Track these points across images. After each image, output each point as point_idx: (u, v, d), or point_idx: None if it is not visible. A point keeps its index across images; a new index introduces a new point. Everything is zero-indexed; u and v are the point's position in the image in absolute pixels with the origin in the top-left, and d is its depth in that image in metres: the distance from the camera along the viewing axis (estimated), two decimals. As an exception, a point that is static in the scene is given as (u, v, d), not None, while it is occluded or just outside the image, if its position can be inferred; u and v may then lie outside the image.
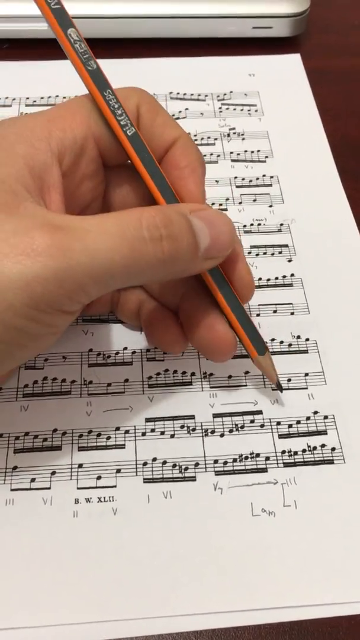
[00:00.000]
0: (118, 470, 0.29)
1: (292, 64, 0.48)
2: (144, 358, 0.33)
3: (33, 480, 0.29)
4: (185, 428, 0.31)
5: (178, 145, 0.29)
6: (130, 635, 0.25)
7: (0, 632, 0.25)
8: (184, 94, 0.45)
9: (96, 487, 0.29)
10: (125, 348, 0.33)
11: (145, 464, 0.30)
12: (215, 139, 0.43)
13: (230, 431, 0.31)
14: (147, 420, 0.31)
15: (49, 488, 0.29)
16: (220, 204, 0.39)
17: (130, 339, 0.33)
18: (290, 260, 0.37)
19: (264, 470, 0.29)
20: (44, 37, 0.47)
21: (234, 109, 0.44)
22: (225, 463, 0.30)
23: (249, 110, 0.44)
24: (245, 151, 0.42)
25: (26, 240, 0.23)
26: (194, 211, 0.27)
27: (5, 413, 0.31)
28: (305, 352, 0.33)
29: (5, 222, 0.23)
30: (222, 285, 0.29)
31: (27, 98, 0.45)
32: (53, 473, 0.29)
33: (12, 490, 0.29)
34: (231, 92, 0.45)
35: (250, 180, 0.40)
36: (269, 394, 0.32)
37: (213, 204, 0.39)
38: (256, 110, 0.44)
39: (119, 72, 0.45)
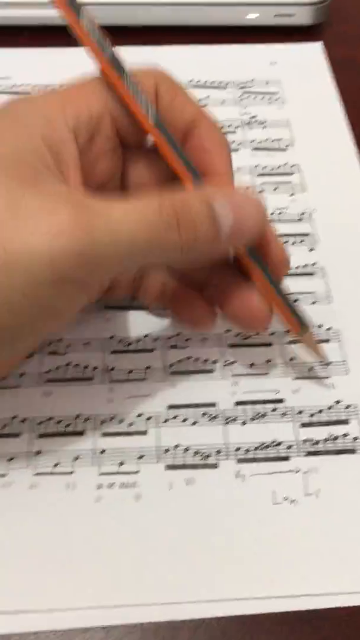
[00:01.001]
0: (140, 457, 0.30)
1: (313, 52, 0.48)
2: (166, 345, 0.33)
3: (56, 464, 0.29)
4: (207, 415, 0.31)
5: (202, 126, 0.29)
6: (151, 620, 0.25)
7: (23, 614, 0.25)
8: (205, 81, 0.45)
9: (118, 473, 0.29)
10: (147, 335, 0.33)
11: (167, 450, 0.30)
12: (237, 127, 0.42)
13: (252, 419, 0.31)
14: (169, 407, 0.31)
15: (72, 473, 0.29)
16: (242, 193, 0.39)
17: (152, 326, 0.33)
18: (312, 250, 0.37)
19: (286, 458, 0.30)
20: (63, 25, 0.47)
21: (255, 98, 0.44)
22: (247, 451, 0.30)
23: (269, 99, 0.44)
24: (267, 139, 0.42)
25: (52, 217, 0.23)
26: (219, 195, 0.26)
27: (29, 398, 0.31)
28: (327, 341, 0.33)
29: (30, 199, 0.23)
30: (258, 261, 0.29)
31: (48, 86, 0.45)
32: (76, 458, 0.29)
33: (35, 474, 0.29)
34: (252, 80, 0.45)
35: (272, 169, 0.40)
36: (291, 383, 0.32)
37: (234, 192, 0.39)
38: (277, 99, 0.44)
39: (140, 60, 0.46)
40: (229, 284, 0.30)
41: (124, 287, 0.33)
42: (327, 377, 0.32)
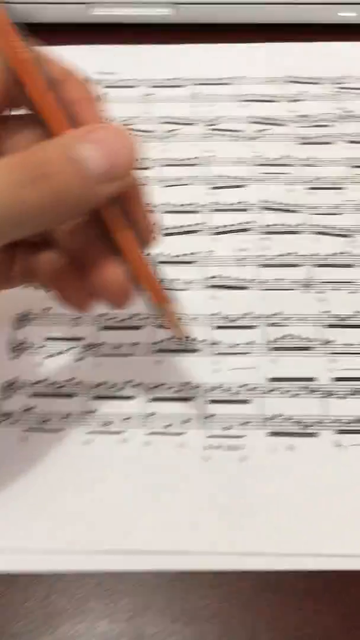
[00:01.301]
0: (245, 423, 0.32)
1: None
2: (267, 322, 0.35)
3: (167, 426, 0.32)
4: (307, 389, 0.33)
5: (69, 81, 0.27)
6: (259, 569, 0.28)
7: (147, 554, 0.28)
8: (301, 77, 0.47)
9: (225, 437, 0.32)
10: (249, 313, 0.36)
11: (269, 419, 0.32)
12: (333, 122, 0.44)
13: (352, 394, 0.33)
14: (271, 379, 0.33)
15: (182, 434, 0.32)
16: (337, 183, 0.41)
17: (254, 305, 0.36)
18: None
19: (383, 431, 0.32)
20: (165, 23, 0.50)
21: (350, 93, 0.46)
22: (346, 423, 0.32)
23: (364, 94, 0.46)
24: (362, 133, 0.44)
25: None
26: (82, 136, 0.24)
27: (141, 365, 0.34)
28: None
29: None
30: (121, 228, 0.26)
31: (152, 80, 0.47)
32: (186, 421, 0.32)
33: (149, 433, 0.32)
34: (347, 76, 0.47)
35: (367, 161, 0.42)
36: (387, 362, 0.34)
37: (330, 183, 0.41)
38: (372, 94, 0.46)
39: (240, 56, 0.48)
40: (98, 258, 0.27)
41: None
42: None
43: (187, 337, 0.31)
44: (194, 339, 0.32)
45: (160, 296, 0.28)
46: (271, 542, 0.29)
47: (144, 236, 0.27)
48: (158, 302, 0.29)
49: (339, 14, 0.49)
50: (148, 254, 0.27)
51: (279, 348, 0.34)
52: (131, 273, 0.27)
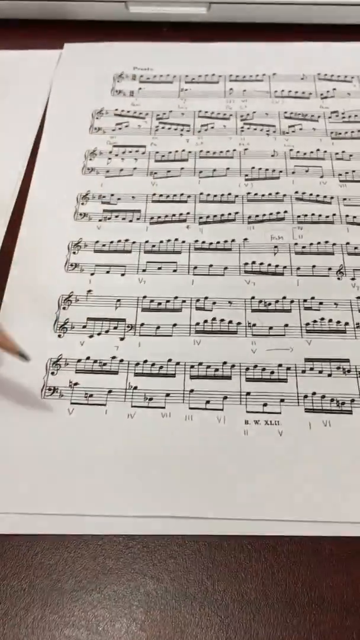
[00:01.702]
0: (282, 400, 0.33)
1: None
2: (302, 307, 0.37)
3: (208, 402, 0.33)
4: (341, 369, 0.34)
5: None
6: (299, 534, 0.29)
7: (190, 519, 0.30)
8: (331, 75, 0.48)
9: (263, 412, 0.33)
10: (284, 297, 0.37)
11: (305, 396, 0.33)
12: (363, 117, 0.46)
13: (383, 374, 0.34)
14: (306, 360, 0.35)
15: (221, 409, 0.33)
16: (369, 176, 0.42)
17: (289, 290, 0.37)
18: None
19: None
20: (200, 21, 0.51)
21: (380, 91, 0.47)
22: (378, 401, 0.33)
23: (394, 92, 0.47)
24: (392, 129, 0.45)
25: None
26: None
27: (181, 345, 0.35)
28: None
29: None
30: None
31: (187, 76, 0.49)
32: (225, 397, 0.34)
33: (190, 408, 0.33)
34: (376, 74, 0.48)
35: None
36: None
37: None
38: None
39: (272, 54, 0.50)
40: None
41: None
42: None
43: (23, 356, 0.32)
44: (27, 357, 0.33)
45: None
46: (308, 510, 0.30)
47: None
48: None
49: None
50: None
51: (312, 331, 0.36)
52: None
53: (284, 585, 0.27)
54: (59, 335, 0.36)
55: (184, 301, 0.37)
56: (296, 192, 0.42)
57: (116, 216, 0.41)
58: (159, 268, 0.39)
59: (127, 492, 0.31)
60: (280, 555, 0.28)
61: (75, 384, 0.34)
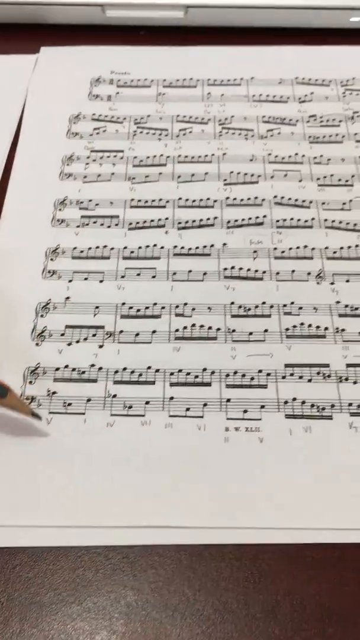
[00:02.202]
0: (262, 406, 0.33)
1: None
2: (281, 312, 0.36)
3: (188, 409, 0.33)
4: (321, 374, 0.34)
5: None
6: (280, 542, 0.29)
7: (172, 529, 0.29)
8: (309, 79, 0.49)
9: (243, 419, 0.33)
10: (264, 302, 0.37)
11: (286, 402, 0.33)
12: (340, 121, 0.46)
13: (363, 379, 0.34)
14: (287, 365, 0.35)
15: (201, 417, 0.33)
16: (347, 180, 0.42)
17: (268, 295, 0.37)
18: None
19: (395, 414, 0.33)
20: (177, 25, 0.51)
21: (357, 94, 0.47)
22: (359, 406, 0.33)
23: (371, 96, 0.47)
24: (369, 133, 0.45)
25: None
26: None
27: (161, 352, 0.35)
28: None
29: None
30: None
31: (164, 80, 0.49)
32: (205, 405, 0.33)
33: (170, 416, 0.33)
34: (354, 78, 0.48)
35: (375, 160, 0.44)
36: None
37: (339, 180, 0.42)
38: (378, 96, 0.47)
39: (250, 58, 0.50)
40: None
41: None
42: None
43: (36, 415, 0.32)
44: (39, 416, 0.33)
45: None
46: (290, 517, 0.30)
47: None
48: None
49: (351, 19, 0.50)
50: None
51: (292, 336, 0.36)
52: None
53: (265, 593, 0.27)
54: (37, 344, 0.35)
55: (163, 307, 0.37)
56: (275, 197, 0.42)
57: (94, 222, 0.41)
58: (138, 274, 0.38)
59: (106, 502, 0.30)
60: (262, 564, 0.28)
61: (54, 393, 0.34)
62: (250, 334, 0.36)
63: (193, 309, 0.37)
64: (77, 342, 0.35)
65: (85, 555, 0.28)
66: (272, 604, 0.27)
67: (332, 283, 0.38)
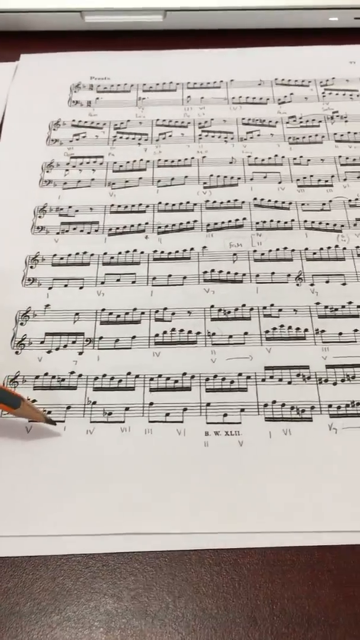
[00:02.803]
0: (242, 410, 0.33)
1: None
2: (261, 314, 0.36)
3: (167, 414, 0.33)
4: (301, 376, 0.34)
5: None
6: (259, 546, 0.29)
7: (151, 535, 0.29)
8: (289, 80, 0.49)
9: (223, 423, 0.33)
10: (244, 305, 0.37)
11: (266, 405, 0.33)
12: (320, 122, 0.46)
13: (342, 380, 0.34)
14: (266, 368, 0.34)
15: (182, 422, 0.33)
16: (326, 181, 0.42)
17: (249, 298, 0.37)
18: None
19: (375, 414, 0.33)
20: (157, 29, 0.51)
21: (337, 94, 0.47)
22: (338, 407, 0.33)
23: (350, 95, 0.47)
24: (349, 132, 0.45)
25: None
26: None
27: (140, 358, 0.35)
28: None
29: None
30: None
31: (144, 84, 0.49)
32: (185, 409, 0.33)
33: (150, 422, 0.33)
34: (333, 78, 0.48)
35: (354, 159, 0.43)
36: (377, 350, 0.35)
37: (319, 180, 0.42)
38: (358, 95, 0.47)
39: (230, 60, 0.50)
40: None
41: None
42: None
43: (51, 421, 0.32)
44: (53, 422, 0.33)
45: (11, 403, 0.31)
46: (269, 521, 0.30)
47: None
48: (9, 410, 0.31)
49: (330, 18, 0.50)
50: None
51: (271, 338, 0.36)
52: None
53: (245, 598, 0.27)
54: (17, 352, 0.35)
55: (143, 313, 0.37)
56: (255, 199, 0.42)
57: (74, 228, 0.41)
58: (118, 280, 0.38)
59: (86, 510, 0.30)
60: (242, 568, 0.28)
61: (34, 401, 0.34)
62: (230, 337, 0.36)
63: (173, 314, 0.37)
64: (57, 349, 0.35)
65: (64, 564, 0.28)
66: (251, 609, 0.27)
67: (311, 284, 0.38)
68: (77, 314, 0.37)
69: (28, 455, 0.32)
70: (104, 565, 0.28)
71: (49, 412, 0.33)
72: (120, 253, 0.39)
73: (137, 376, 0.34)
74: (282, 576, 0.27)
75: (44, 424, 0.32)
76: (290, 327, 0.36)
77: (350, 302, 0.37)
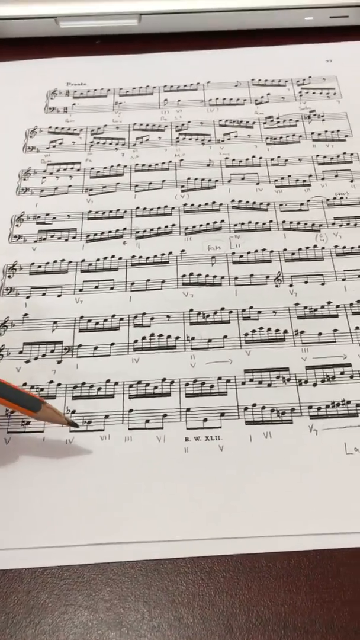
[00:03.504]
0: (222, 414, 0.33)
1: (367, 49, 0.50)
2: (240, 317, 0.36)
3: (147, 421, 0.33)
4: (281, 378, 0.34)
5: None
6: (235, 553, 0.28)
7: (126, 544, 0.29)
8: (265, 80, 0.48)
9: (203, 428, 0.32)
10: (223, 308, 0.36)
11: (246, 408, 0.33)
12: (297, 121, 0.46)
13: (322, 381, 0.34)
14: (246, 371, 0.34)
15: (161, 428, 0.33)
16: (304, 180, 0.42)
17: (227, 300, 0.37)
18: (372, 230, 0.40)
19: (355, 415, 0.32)
20: (132, 33, 0.51)
21: (313, 93, 0.47)
22: (318, 409, 0.33)
23: (327, 94, 0.47)
24: (326, 131, 0.45)
25: None
26: None
27: (119, 364, 0.35)
28: (390, 312, 0.36)
29: None
30: None
31: (121, 89, 0.49)
32: (165, 415, 0.33)
33: (130, 429, 0.33)
34: (310, 77, 0.48)
35: (332, 158, 0.43)
36: (357, 349, 0.34)
37: (297, 180, 0.42)
38: (334, 94, 0.47)
39: (206, 62, 0.50)
40: None
41: None
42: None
43: (73, 423, 0.32)
44: (76, 424, 0.32)
45: (32, 407, 0.31)
46: (246, 526, 0.29)
47: None
48: (30, 414, 0.31)
49: (306, 18, 0.50)
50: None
51: (251, 341, 0.35)
52: None
53: (221, 607, 0.26)
54: (-6, 362, 0.35)
55: (121, 319, 0.36)
56: (232, 201, 0.41)
57: (52, 236, 0.40)
58: (96, 287, 0.38)
59: (60, 521, 0.30)
60: (218, 576, 0.27)
61: (12, 412, 0.33)
62: (210, 340, 0.35)
63: (152, 318, 0.36)
64: (36, 359, 0.35)
65: (39, 576, 0.28)
66: (227, 617, 0.26)
67: (290, 285, 0.37)
68: (55, 322, 0.36)
69: (7, 467, 0.32)
70: (79, 577, 0.28)
71: (28, 423, 0.33)
72: (98, 259, 0.39)
73: (116, 383, 0.34)
74: (258, 583, 0.27)
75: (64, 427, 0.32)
76: (269, 329, 0.36)
77: (329, 302, 0.36)
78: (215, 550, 0.28)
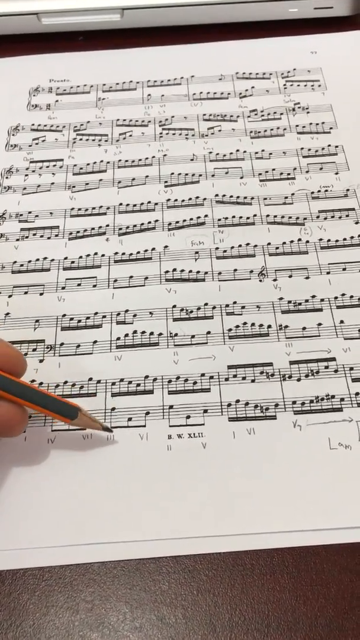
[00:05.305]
0: (205, 411, 0.32)
1: (352, 41, 0.50)
2: (224, 312, 0.36)
3: (130, 419, 0.32)
4: (265, 374, 0.33)
5: None
6: (218, 551, 0.28)
7: (107, 544, 0.29)
8: (250, 73, 0.48)
9: (186, 425, 0.32)
10: (206, 304, 0.36)
11: (229, 405, 0.33)
12: (281, 114, 0.45)
13: (306, 376, 0.33)
14: (229, 367, 0.34)
15: (144, 426, 0.32)
16: (289, 174, 0.42)
17: (211, 296, 0.36)
18: (357, 223, 0.39)
19: (339, 409, 0.32)
20: (115, 28, 0.51)
21: (298, 85, 0.47)
22: (302, 404, 0.32)
23: (312, 86, 0.47)
24: (311, 124, 0.44)
25: None
26: None
27: (102, 362, 0.34)
28: (376, 305, 0.35)
29: None
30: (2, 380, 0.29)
31: (104, 84, 0.48)
32: (147, 413, 0.33)
33: (112, 427, 0.32)
34: (294, 69, 0.48)
35: (316, 151, 0.43)
36: (342, 343, 0.34)
37: (281, 173, 0.42)
38: (319, 85, 0.47)
39: (190, 56, 0.49)
40: None
41: None
42: (375, 337, 0.34)
43: (107, 428, 0.32)
44: (110, 429, 0.32)
45: (68, 414, 0.30)
46: (229, 524, 0.29)
47: (14, 367, 0.30)
48: (66, 421, 0.30)
49: (290, 10, 0.50)
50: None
51: (235, 336, 0.35)
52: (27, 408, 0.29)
53: (204, 606, 0.26)
54: (-24, 363, 0.35)
55: (104, 316, 0.36)
56: (216, 195, 0.41)
57: (34, 234, 0.40)
58: (79, 284, 0.38)
59: (43, 522, 0.29)
60: (200, 575, 0.27)
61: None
62: (193, 337, 0.35)
63: (134, 315, 0.36)
64: (18, 358, 0.35)
65: (20, 578, 0.27)
66: (210, 616, 0.26)
67: (274, 279, 0.37)
68: (37, 320, 0.36)
69: (-12, 467, 0.31)
70: (60, 578, 0.27)
71: (9, 423, 0.33)
72: (80, 257, 0.39)
73: (98, 381, 0.34)
74: (241, 581, 0.27)
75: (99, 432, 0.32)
76: (253, 324, 0.35)
77: (313, 296, 0.36)
78: (198, 549, 0.28)
